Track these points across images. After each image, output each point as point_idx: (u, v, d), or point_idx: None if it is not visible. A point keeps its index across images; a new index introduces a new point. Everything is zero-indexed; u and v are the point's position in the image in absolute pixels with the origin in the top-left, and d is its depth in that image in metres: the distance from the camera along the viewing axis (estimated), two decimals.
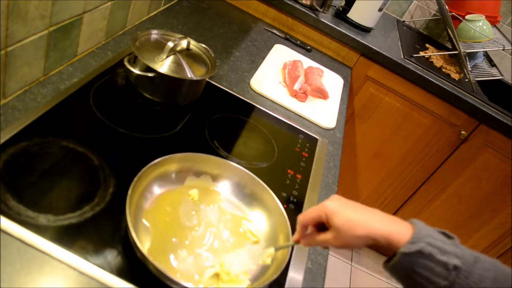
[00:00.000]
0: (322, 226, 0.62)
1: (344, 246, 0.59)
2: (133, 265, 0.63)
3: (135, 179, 0.68)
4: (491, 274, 0.53)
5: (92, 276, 0.60)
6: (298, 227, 0.65)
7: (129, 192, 0.66)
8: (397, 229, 0.56)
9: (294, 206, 0.89)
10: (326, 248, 0.67)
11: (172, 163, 0.77)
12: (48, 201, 0.67)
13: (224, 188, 0.82)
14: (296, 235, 0.66)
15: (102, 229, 0.67)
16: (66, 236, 0.63)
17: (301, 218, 0.64)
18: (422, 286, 0.54)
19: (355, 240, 0.57)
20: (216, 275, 0.67)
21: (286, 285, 0.72)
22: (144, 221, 0.69)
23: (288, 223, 0.75)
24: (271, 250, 0.72)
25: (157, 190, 0.75)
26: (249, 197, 0.81)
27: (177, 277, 0.60)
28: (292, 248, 0.78)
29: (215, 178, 0.82)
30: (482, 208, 1.97)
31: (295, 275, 0.75)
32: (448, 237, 0.56)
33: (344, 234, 0.58)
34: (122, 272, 0.62)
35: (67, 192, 0.70)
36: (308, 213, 0.63)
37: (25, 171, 0.69)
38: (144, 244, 0.66)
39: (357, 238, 0.57)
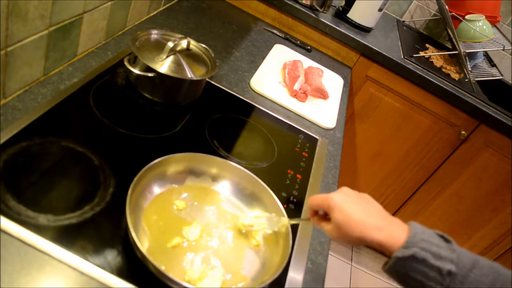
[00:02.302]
0: None
1: (340, 239, 0.62)
2: (133, 265, 0.63)
3: (135, 179, 0.68)
4: (489, 279, 0.53)
5: (92, 276, 0.60)
6: (309, 208, 0.68)
7: (129, 192, 0.66)
8: (392, 233, 0.56)
9: (294, 206, 0.89)
10: None
11: (172, 163, 0.77)
12: (48, 201, 0.67)
13: (224, 188, 0.82)
14: (309, 214, 0.69)
15: (102, 229, 0.67)
16: (66, 236, 0.63)
17: (310, 201, 0.67)
18: None
19: (350, 238, 0.59)
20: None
21: (286, 285, 0.72)
22: (143, 221, 0.69)
23: (288, 223, 0.75)
24: (285, 220, 0.75)
25: (157, 190, 0.75)
26: (249, 197, 0.81)
27: (177, 277, 0.60)
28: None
29: (215, 178, 0.82)
30: (482, 208, 1.96)
31: (295, 275, 0.75)
32: (446, 240, 0.56)
33: (340, 229, 0.60)
34: (122, 272, 0.62)
35: (67, 192, 0.70)
36: (315, 199, 0.66)
37: (25, 171, 0.69)
38: (144, 244, 0.66)
39: (352, 237, 0.59)
